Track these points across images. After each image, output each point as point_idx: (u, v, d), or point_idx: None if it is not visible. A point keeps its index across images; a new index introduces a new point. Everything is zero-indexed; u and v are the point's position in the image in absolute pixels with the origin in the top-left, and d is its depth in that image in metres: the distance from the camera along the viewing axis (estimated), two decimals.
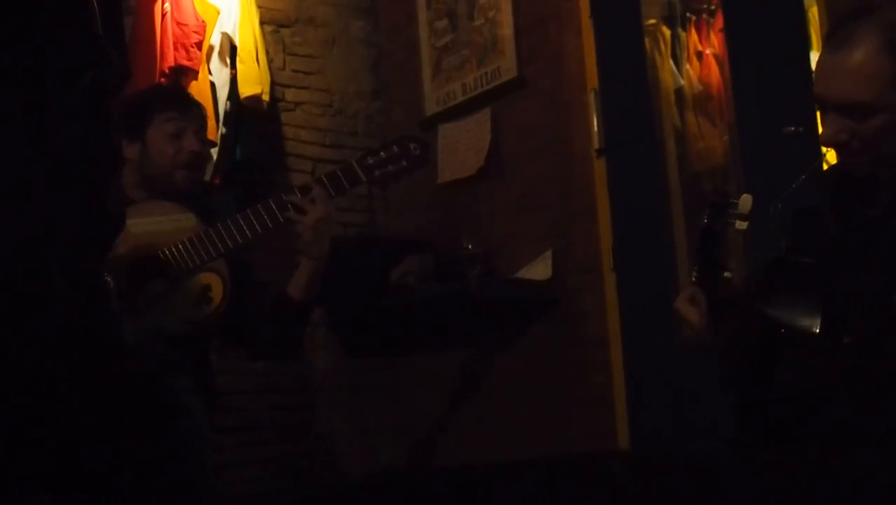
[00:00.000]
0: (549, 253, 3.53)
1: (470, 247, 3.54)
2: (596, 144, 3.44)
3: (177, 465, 1.31)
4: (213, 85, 3.62)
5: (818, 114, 1.77)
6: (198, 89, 3.49)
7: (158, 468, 1.24)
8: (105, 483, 1.19)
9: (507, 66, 3.76)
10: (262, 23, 3.90)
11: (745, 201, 1.63)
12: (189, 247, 2.25)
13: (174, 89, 2.68)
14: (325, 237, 2.35)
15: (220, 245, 2.26)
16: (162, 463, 1.26)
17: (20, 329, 1.16)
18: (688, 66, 3.92)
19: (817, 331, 1.62)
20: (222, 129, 3.61)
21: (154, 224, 2.28)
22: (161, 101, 2.45)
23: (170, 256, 2.24)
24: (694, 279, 1.75)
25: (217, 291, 2.27)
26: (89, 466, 1.19)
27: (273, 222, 2.30)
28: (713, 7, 3.91)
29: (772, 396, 1.68)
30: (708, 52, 3.94)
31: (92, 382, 1.20)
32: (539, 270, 3.54)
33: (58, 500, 1.17)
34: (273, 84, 3.88)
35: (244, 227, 2.28)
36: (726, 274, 1.65)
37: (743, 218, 1.62)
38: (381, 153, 2.38)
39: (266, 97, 3.75)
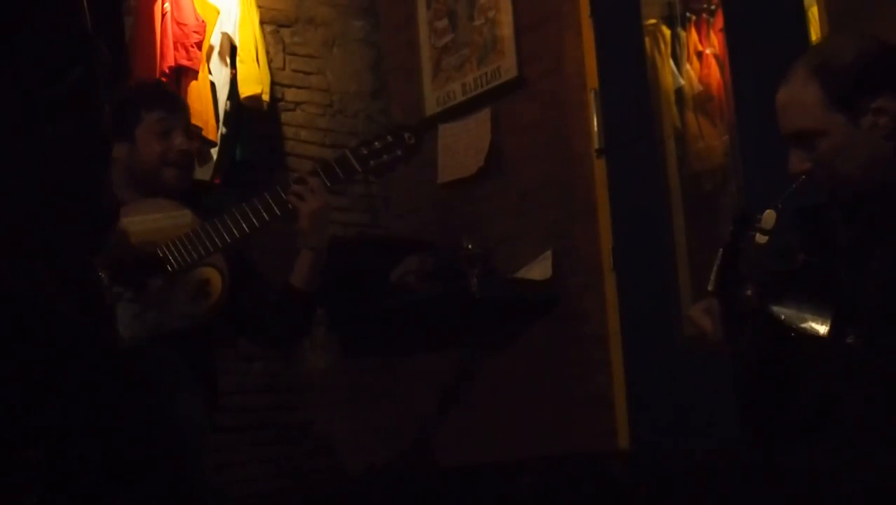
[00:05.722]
0: (549, 253, 3.53)
1: (470, 247, 3.53)
2: (596, 144, 3.44)
3: (174, 464, 1.31)
4: (213, 85, 3.62)
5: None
6: (198, 89, 3.49)
7: (155, 467, 1.24)
8: (101, 482, 1.19)
9: (507, 66, 3.76)
10: (262, 23, 3.90)
11: (769, 217, 1.66)
12: (186, 243, 2.25)
13: (159, 88, 2.69)
14: (323, 227, 2.38)
15: (217, 240, 2.27)
16: (159, 462, 1.25)
17: (12, 326, 1.15)
18: (688, 66, 3.91)
19: (825, 333, 1.64)
20: (222, 129, 3.61)
21: (151, 221, 2.29)
22: (148, 100, 2.44)
23: (167, 253, 2.25)
24: (711, 289, 1.78)
25: (216, 286, 2.28)
26: (85, 466, 1.18)
27: (269, 215, 2.32)
28: (713, 7, 3.90)
29: (787, 399, 1.69)
30: (708, 52, 3.94)
31: (86, 379, 1.20)
32: (539, 270, 3.53)
33: (52, 500, 1.16)
34: (273, 84, 3.88)
35: (241, 222, 2.29)
36: (748, 292, 1.67)
37: (764, 232, 1.65)
38: (376, 143, 2.40)
39: (266, 97, 3.75)
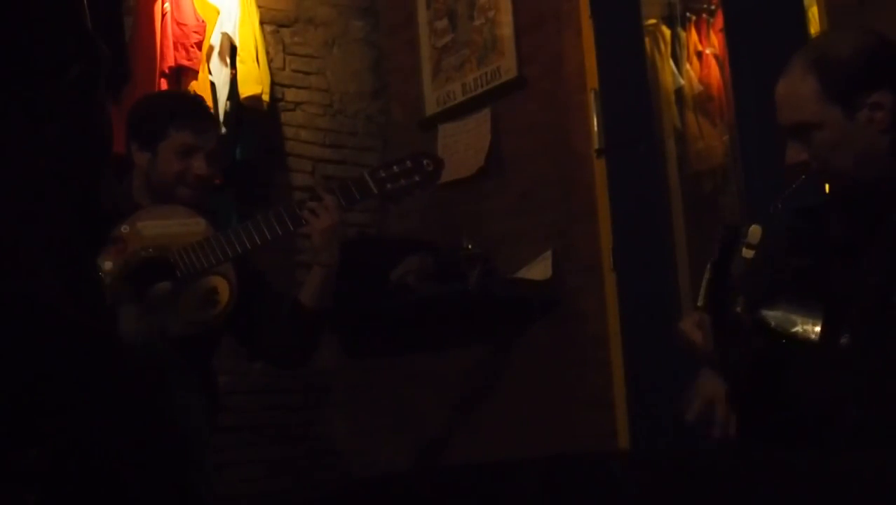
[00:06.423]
0: (549, 253, 3.53)
1: (470, 247, 3.54)
2: (596, 144, 3.44)
3: (175, 464, 1.31)
4: (213, 85, 3.62)
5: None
6: (198, 89, 3.49)
7: (156, 467, 1.24)
8: (102, 482, 1.19)
9: (507, 66, 3.76)
10: (262, 23, 3.90)
11: (755, 232, 1.66)
12: (197, 250, 2.25)
13: (195, 103, 2.60)
14: (335, 245, 2.37)
15: (228, 249, 2.26)
16: (160, 462, 1.25)
17: (12, 326, 1.15)
18: (688, 66, 3.92)
19: (817, 336, 1.63)
20: (222, 130, 3.61)
21: (165, 227, 2.29)
22: (178, 117, 2.40)
23: (178, 259, 2.25)
24: (700, 304, 1.77)
25: (223, 295, 2.28)
26: (85, 465, 1.18)
27: (282, 229, 2.31)
28: (713, 7, 3.91)
29: (780, 407, 1.69)
30: (708, 52, 3.95)
31: (86, 379, 1.20)
32: (539, 270, 3.54)
33: (52, 500, 1.16)
34: (273, 84, 3.88)
35: (253, 233, 2.28)
36: (738, 309, 1.67)
37: (750, 247, 1.65)
38: (394, 167, 2.37)
39: (266, 97, 3.75)
